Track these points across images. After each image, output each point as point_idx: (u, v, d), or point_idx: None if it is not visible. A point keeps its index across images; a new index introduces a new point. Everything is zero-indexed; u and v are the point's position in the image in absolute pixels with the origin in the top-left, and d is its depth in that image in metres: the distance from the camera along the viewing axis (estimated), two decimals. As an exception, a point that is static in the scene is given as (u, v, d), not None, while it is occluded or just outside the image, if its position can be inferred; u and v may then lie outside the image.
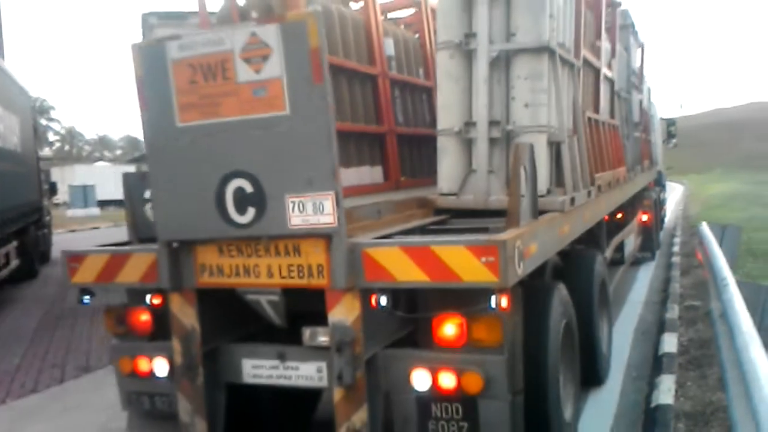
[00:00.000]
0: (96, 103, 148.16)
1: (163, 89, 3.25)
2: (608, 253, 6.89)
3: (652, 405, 4.68)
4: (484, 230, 3.56)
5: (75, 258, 3.76)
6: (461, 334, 3.18)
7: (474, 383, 3.09)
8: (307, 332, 3.34)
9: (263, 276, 3.27)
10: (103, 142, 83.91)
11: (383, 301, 3.08)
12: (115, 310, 3.93)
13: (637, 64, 9.57)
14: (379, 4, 5.83)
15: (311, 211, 3.06)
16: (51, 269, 15.79)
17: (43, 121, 67.67)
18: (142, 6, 14.33)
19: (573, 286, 4.35)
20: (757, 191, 29.17)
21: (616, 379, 5.44)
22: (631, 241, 8.96)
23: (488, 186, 4.09)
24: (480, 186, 4.11)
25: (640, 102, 9.77)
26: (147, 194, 4.14)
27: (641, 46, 9.99)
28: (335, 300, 3.13)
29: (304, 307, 3.37)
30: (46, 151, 59.35)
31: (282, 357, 3.47)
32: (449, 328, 3.19)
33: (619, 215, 8.14)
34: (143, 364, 3.77)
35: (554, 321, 3.73)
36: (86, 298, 3.87)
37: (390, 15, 6.68)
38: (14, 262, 12.22)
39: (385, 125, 5.47)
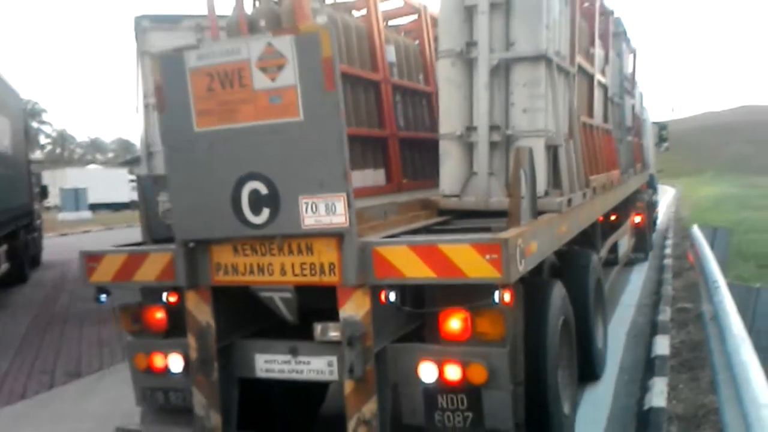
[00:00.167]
0: (88, 106, 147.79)
1: (182, 96, 3.42)
2: (603, 253, 7.09)
3: (645, 408, 4.71)
4: (486, 230, 3.74)
5: (93, 258, 3.91)
6: (466, 328, 3.35)
7: (478, 375, 3.26)
8: (318, 328, 3.50)
9: (277, 274, 3.43)
10: (95, 145, 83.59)
11: (392, 297, 3.25)
12: (130, 308, 4.08)
13: (629, 69, 9.79)
14: (381, 12, 6.01)
15: (324, 211, 3.23)
16: (41, 273, 15.90)
17: (35, 124, 67.45)
18: (135, 9, 14.53)
19: (569, 284, 4.54)
20: (747, 194, 29.51)
21: (609, 381, 5.48)
22: (624, 242, 9.17)
23: (489, 188, 4.27)
24: (481, 188, 4.29)
25: (633, 107, 10.00)
26: (160, 197, 4.32)
27: (633, 52, 10.21)
28: (346, 296, 3.29)
29: (315, 304, 3.54)
30: (37, 154, 59.16)
31: (294, 352, 3.62)
32: (454, 323, 3.36)
33: (613, 217, 8.35)
34: (158, 361, 3.92)
35: (552, 316, 3.91)
36: (103, 297, 4.02)
37: (391, 22, 6.85)
38: (4, 266, 12.24)
39: (387, 129, 5.63)
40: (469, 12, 4.34)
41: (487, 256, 3.02)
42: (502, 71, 4.29)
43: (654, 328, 7.04)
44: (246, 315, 3.78)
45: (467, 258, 3.06)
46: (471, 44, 4.33)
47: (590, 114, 6.06)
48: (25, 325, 9.66)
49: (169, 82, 3.48)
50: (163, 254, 3.68)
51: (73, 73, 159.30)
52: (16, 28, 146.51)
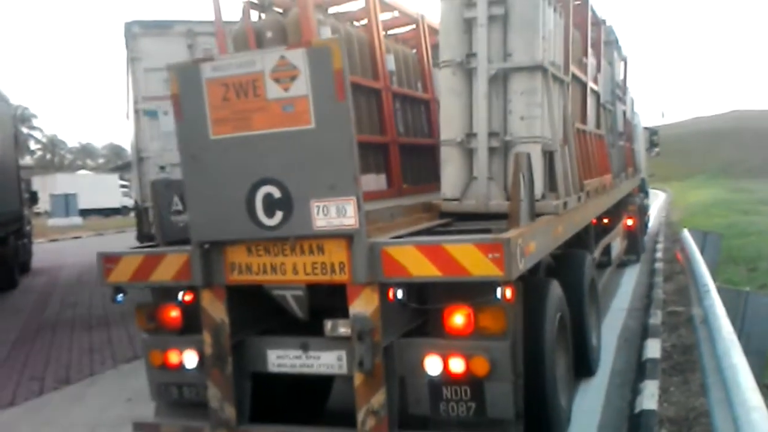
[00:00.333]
0: (79, 112, 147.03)
1: (198, 105, 3.60)
2: (596, 254, 7.31)
3: (636, 411, 4.77)
4: (487, 231, 3.93)
5: (110, 259, 4.08)
6: (469, 323, 3.55)
7: (481, 367, 3.45)
8: (328, 324, 3.68)
9: (289, 273, 3.62)
10: (86, 151, 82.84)
11: (399, 294, 3.45)
12: (146, 307, 4.24)
13: (620, 76, 10.05)
14: (381, 22, 6.22)
15: (334, 213, 3.42)
16: (31, 279, 15.87)
17: (25, 130, 66.99)
18: (125, 14, 14.63)
19: (565, 283, 4.76)
20: (736, 198, 29.74)
21: (601, 385, 5.54)
22: (617, 244, 9.41)
23: (488, 191, 4.48)
24: (481, 191, 4.50)
25: (624, 113, 10.26)
26: (174, 200, 4.50)
27: (624, 59, 10.48)
28: (356, 294, 3.48)
29: (324, 302, 3.73)
30: (27, 160, 58.77)
31: (305, 347, 3.80)
32: (458, 318, 3.56)
33: (606, 220, 8.57)
34: (173, 357, 4.09)
35: (550, 313, 4.13)
36: (120, 297, 4.19)
37: (389, 32, 7.06)
38: (-6, 272, 12.24)
39: (388, 136, 5.83)
40: (469, 24, 4.55)
41: (490, 255, 3.22)
42: (500, 80, 4.51)
43: (645, 332, 7.10)
44: (258, 312, 3.96)
45: (471, 257, 3.26)
46: (470, 55, 4.54)
47: (584, 120, 6.29)
48: (14, 331, 9.61)
49: (185, 93, 3.66)
50: (180, 255, 3.86)
51: (64, 78, 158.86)
52: (5, 33, 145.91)
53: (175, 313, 4.15)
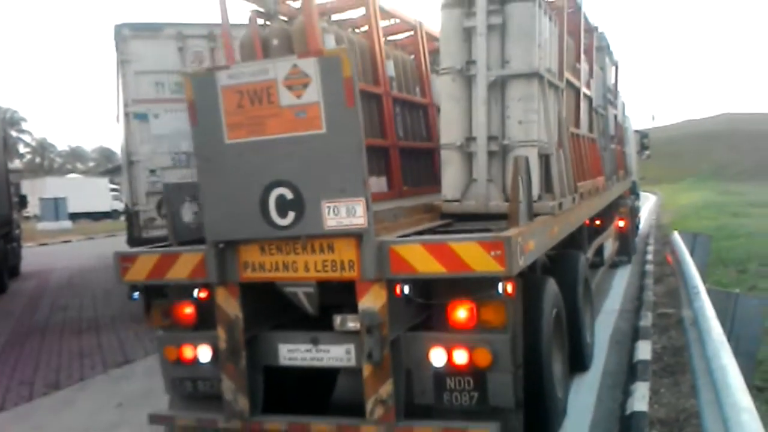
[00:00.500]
0: (68, 115, 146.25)
1: (213, 111, 3.80)
2: (589, 254, 7.53)
3: (627, 412, 4.80)
4: (487, 231, 4.13)
5: (127, 258, 4.27)
6: (472, 317, 3.75)
7: (483, 358, 3.65)
8: (338, 319, 3.88)
9: (300, 270, 3.81)
10: (76, 154, 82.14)
11: (406, 290, 3.65)
12: (161, 305, 4.42)
13: (611, 81, 10.29)
14: (381, 28, 6.42)
15: (345, 214, 3.62)
16: (21, 284, 15.85)
17: (14, 133, 66.56)
18: (115, 17, 14.65)
19: (560, 282, 4.97)
20: (727, 201, 30.03)
21: (592, 386, 5.57)
22: (609, 244, 9.64)
23: (488, 193, 4.68)
24: (480, 193, 4.70)
25: (615, 116, 10.51)
26: (186, 202, 4.68)
27: (615, 64, 10.72)
28: (365, 290, 3.67)
29: (333, 299, 3.92)
30: (16, 164, 58.37)
31: (315, 341, 3.99)
32: (461, 312, 3.76)
33: (598, 222, 8.80)
34: (188, 352, 4.27)
35: (547, 308, 4.34)
36: (135, 294, 4.37)
37: (389, 38, 7.26)
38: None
39: (388, 139, 6.03)
40: (468, 33, 4.75)
41: (492, 253, 3.43)
42: (498, 87, 4.71)
43: (636, 334, 7.13)
44: (270, 309, 4.15)
45: (474, 254, 3.46)
46: (470, 62, 4.74)
47: (577, 124, 6.51)
48: (3, 335, 9.55)
49: (201, 99, 3.85)
50: (195, 254, 4.05)
51: (53, 81, 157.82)
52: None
53: (189, 310, 4.33)
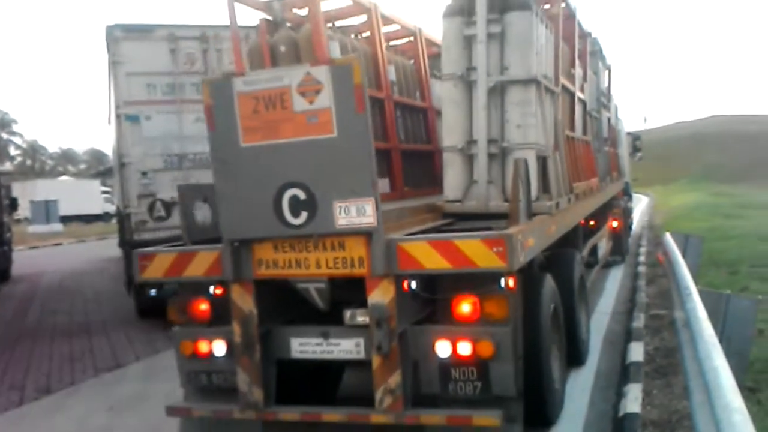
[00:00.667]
0: (59, 116, 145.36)
1: (230, 116, 4.00)
2: (584, 253, 7.76)
3: (620, 414, 4.80)
4: (488, 229, 4.35)
5: (145, 257, 4.46)
6: (475, 311, 3.97)
7: (486, 350, 3.87)
8: (347, 313, 4.09)
9: (312, 267, 4.01)
10: (67, 156, 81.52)
11: (413, 285, 3.87)
12: (177, 302, 4.61)
13: (604, 84, 10.55)
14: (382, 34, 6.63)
15: (355, 213, 3.82)
16: (11, 287, 15.77)
17: (4, 135, 66.32)
18: (107, 18, 14.65)
19: (557, 279, 5.20)
20: (718, 202, 30.27)
21: (585, 388, 5.58)
22: (603, 244, 9.89)
23: (488, 193, 4.90)
24: (481, 193, 4.92)
25: (608, 119, 10.76)
26: (198, 204, 4.88)
27: (608, 68, 10.99)
28: (374, 285, 3.88)
29: (342, 294, 4.13)
30: (6, 166, 58.08)
31: (325, 335, 4.20)
32: (465, 306, 3.98)
33: (592, 222, 9.04)
34: (203, 346, 4.46)
35: (545, 303, 4.57)
36: (153, 291, 4.56)
37: (390, 43, 7.47)
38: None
39: (390, 142, 6.24)
40: (469, 41, 4.98)
41: (494, 249, 3.65)
42: (498, 92, 4.93)
43: (629, 335, 7.12)
44: (283, 304, 4.35)
45: (478, 251, 3.68)
46: (470, 69, 4.96)
47: (572, 128, 6.74)
48: None
49: (218, 104, 4.06)
50: (211, 252, 4.24)
51: (44, 83, 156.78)
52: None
53: (204, 306, 4.52)
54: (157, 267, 4.41)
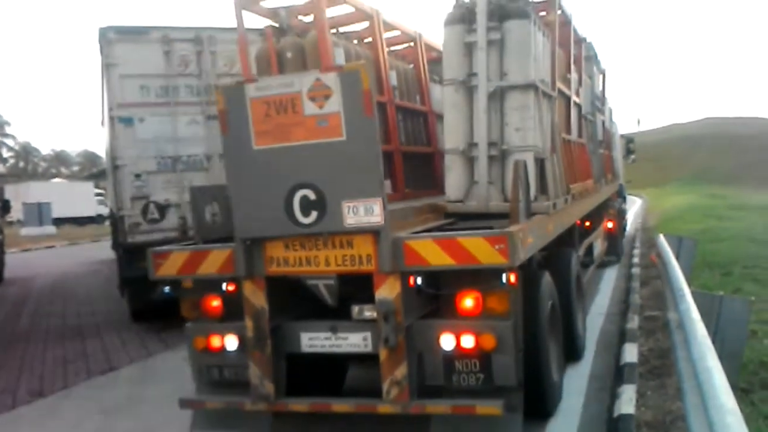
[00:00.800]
0: (53, 118, 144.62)
1: (243, 120, 4.19)
2: (581, 252, 7.97)
3: (615, 415, 4.83)
4: (489, 228, 4.55)
5: (160, 255, 4.63)
6: (478, 305, 4.16)
7: (489, 342, 4.06)
8: (355, 309, 4.28)
9: (322, 265, 4.20)
10: (60, 158, 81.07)
11: (419, 281, 4.06)
12: (190, 298, 4.79)
13: (599, 88, 10.77)
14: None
15: (363, 212, 4.01)
16: (4, 290, 15.65)
17: (-4, 137, 66.40)
18: (100, 20, 14.61)
19: (554, 277, 5.39)
20: (711, 204, 30.39)
21: (580, 389, 5.60)
22: (598, 244, 10.10)
23: (488, 194, 5.10)
24: (481, 194, 5.12)
25: (603, 122, 10.98)
26: (210, 204, 5.06)
27: (602, 72, 11.21)
28: (381, 281, 4.07)
29: (350, 291, 4.31)
30: (-1, 168, 57.93)
31: (334, 330, 4.38)
32: (468, 301, 4.17)
33: (588, 223, 9.25)
34: (215, 341, 4.64)
35: (543, 299, 4.77)
36: (167, 289, 4.73)
37: (390, 48, 7.65)
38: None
39: (392, 145, 6.43)
40: (469, 48, 5.18)
41: (496, 246, 3.84)
42: (497, 97, 5.13)
43: (623, 336, 7.12)
44: (293, 300, 4.53)
45: (480, 248, 3.87)
46: (471, 74, 5.16)
47: (568, 131, 6.95)
48: None
49: (231, 109, 4.24)
50: (224, 251, 4.43)
51: (37, 84, 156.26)
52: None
53: (216, 302, 4.70)
54: (172, 265, 4.59)
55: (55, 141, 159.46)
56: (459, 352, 4.13)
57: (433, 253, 3.97)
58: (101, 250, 20.99)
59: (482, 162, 5.12)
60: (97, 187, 46.45)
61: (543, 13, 6.30)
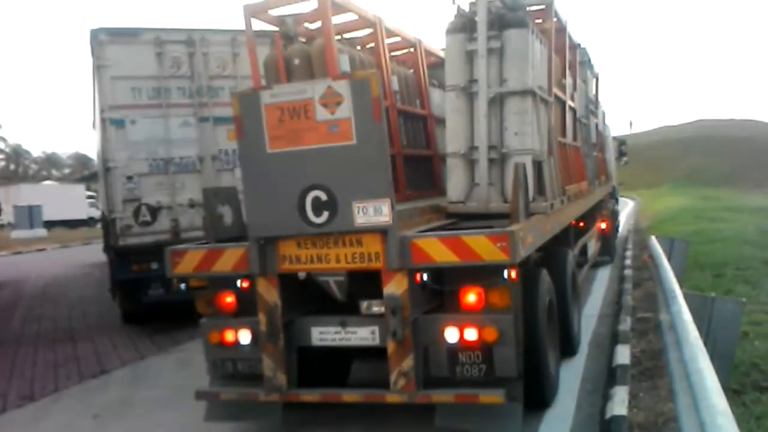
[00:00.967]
0: (43, 120, 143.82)
1: (257, 125, 4.41)
2: (576, 251, 8.22)
3: (607, 417, 4.83)
4: (490, 227, 4.78)
5: (177, 254, 4.85)
6: (480, 300, 4.40)
7: (491, 335, 4.29)
8: (364, 304, 4.51)
9: (332, 262, 4.43)
10: (51, 161, 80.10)
11: (425, 277, 4.29)
12: (205, 295, 5.00)
13: (593, 92, 11.05)
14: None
15: (372, 212, 4.25)
16: None
17: (-13, 139, 65.88)
18: (91, 21, 14.54)
19: (551, 275, 5.63)
20: (703, 206, 30.55)
21: (572, 391, 5.59)
22: (592, 244, 10.36)
23: (488, 195, 5.34)
24: (482, 195, 5.35)
25: (597, 125, 11.26)
26: (221, 205, 5.27)
27: (596, 76, 11.49)
28: (389, 278, 4.30)
29: (358, 288, 4.54)
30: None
31: (343, 324, 4.61)
32: (471, 297, 4.41)
33: (582, 224, 9.51)
34: (229, 336, 4.85)
35: (542, 295, 5.01)
36: (183, 286, 4.95)
37: (391, 54, 7.88)
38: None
39: (394, 148, 6.65)
40: (470, 55, 5.42)
41: (498, 244, 4.08)
42: (497, 102, 5.37)
43: (615, 338, 7.13)
44: (304, 297, 4.76)
45: (483, 246, 4.11)
46: (472, 81, 5.40)
47: (564, 134, 7.20)
48: None
49: (246, 115, 4.47)
50: (238, 249, 4.65)
51: (28, 86, 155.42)
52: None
53: (230, 299, 4.92)
54: (188, 263, 4.81)
55: (46, 143, 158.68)
56: (462, 344, 4.36)
57: (438, 251, 4.20)
58: (93, 253, 20.87)
59: (483, 165, 5.36)
60: (88, 189, 46.10)
61: (539, 21, 6.55)
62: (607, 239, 12.59)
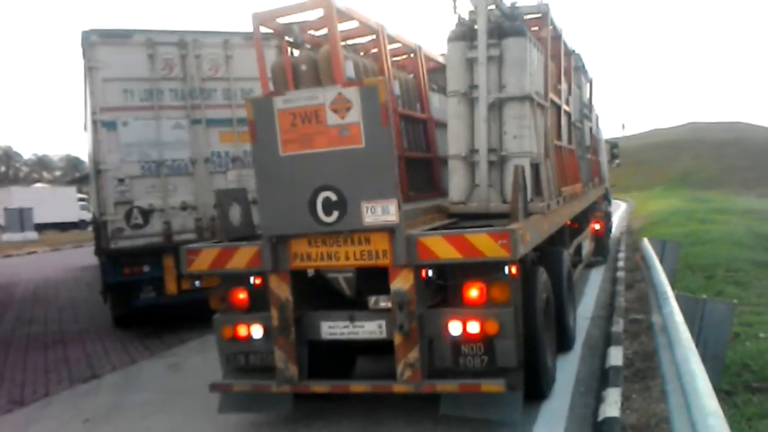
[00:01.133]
0: (34, 123, 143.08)
1: (270, 129, 4.65)
2: (571, 251, 8.48)
3: (600, 418, 4.85)
4: (490, 226, 5.02)
5: (192, 252, 5.07)
6: (482, 295, 4.65)
7: (492, 328, 4.54)
8: (372, 299, 4.75)
9: (341, 259, 4.67)
10: (42, 163, 79.72)
11: (430, 273, 4.53)
12: (218, 291, 5.23)
13: (587, 96, 11.33)
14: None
15: (380, 212, 4.48)
16: None
17: (-23, 142, 65.25)
18: (83, 23, 14.40)
19: (548, 273, 5.88)
20: (694, 207, 30.80)
21: (564, 394, 5.59)
22: (586, 245, 10.63)
23: (488, 196, 5.58)
24: (482, 196, 5.60)
25: (590, 129, 11.54)
26: (233, 206, 5.50)
27: (589, 81, 11.77)
28: (396, 274, 4.54)
29: (365, 284, 4.78)
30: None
31: (352, 318, 4.84)
32: (474, 291, 4.65)
33: (576, 224, 9.77)
34: (242, 330, 5.08)
35: (539, 291, 5.26)
36: (197, 282, 5.17)
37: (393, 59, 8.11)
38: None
39: (397, 151, 6.89)
40: (471, 63, 5.67)
41: (500, 242, 4.33)
42: (496, 107, 5.62)
43: (608, 340, 7.15)
44: (314, 293, 4.99)
45: (485, 243, 4.36)
46: (472, 87, 5.65)
47: (559, 137, 7.46)
48: None
49: (260, 120, 4.70)
50: (251, 247, 4.88)
51: (18, 88, 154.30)
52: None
53: (242, 295, 5.15)
54: (203, 261, 5.03)
55: (37, 145, 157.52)
56: (465, 337, 4.60)
57: (443, 248, 4.45)
58: (84, 256, 20.83)
59: (483, 167, 5.60)
60: (79, 192, 45.85)
61: (536, 29, 6.81)
62: (601, 240, 12.88)
